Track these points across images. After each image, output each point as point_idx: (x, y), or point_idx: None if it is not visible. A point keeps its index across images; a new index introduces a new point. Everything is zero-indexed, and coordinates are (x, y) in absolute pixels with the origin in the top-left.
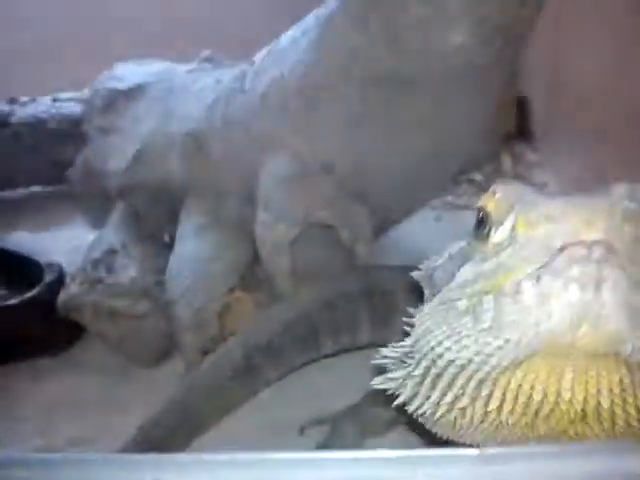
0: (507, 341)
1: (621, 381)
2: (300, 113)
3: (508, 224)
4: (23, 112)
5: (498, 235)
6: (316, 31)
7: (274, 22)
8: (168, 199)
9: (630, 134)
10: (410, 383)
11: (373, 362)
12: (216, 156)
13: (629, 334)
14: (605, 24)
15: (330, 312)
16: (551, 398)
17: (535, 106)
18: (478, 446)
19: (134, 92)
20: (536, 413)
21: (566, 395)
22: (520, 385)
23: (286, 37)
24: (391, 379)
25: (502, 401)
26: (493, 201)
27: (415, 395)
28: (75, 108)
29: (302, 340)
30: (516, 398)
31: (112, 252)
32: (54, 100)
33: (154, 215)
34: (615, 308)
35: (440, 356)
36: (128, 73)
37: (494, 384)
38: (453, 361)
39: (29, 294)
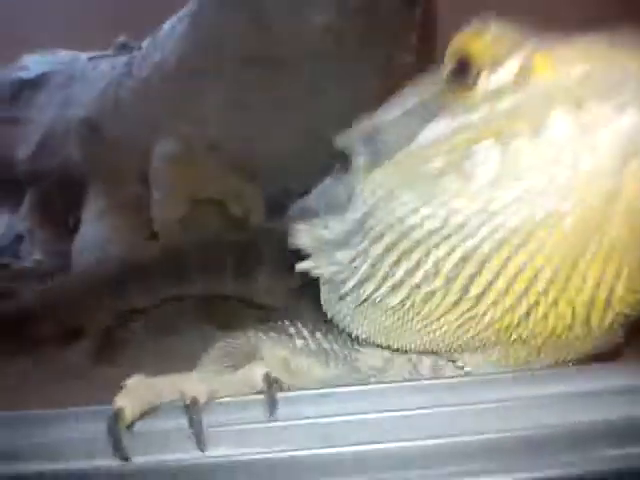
0: (527, 191)
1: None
2: (180, 96)
3: (513, 65)
4: None
5: (494, 81)
6: (190, 18)
7: None
8: (71, 184)
9: None
10: (363, 264)
11: (294, 244)
12: (110, 140)
13: None
14: None
15: (202, 255)
16: (559, 284)
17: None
18: (412, 351)
19: (39, 81)
20: (531, 308)
21: (576, 281)
22: (524, 266)
23: (167, 24)
24: (327, 263)
25: (489, 284)
26: (482, 41)
27: (369, 278)
28: None
29: (173, 272)
30: (512, 280)
31: (19, 238)
32: None
33: (58, 200)
34: None
35: (415, 227)
36: (34, 63)
37: (485, 260)
38: (437, 229)
39: None
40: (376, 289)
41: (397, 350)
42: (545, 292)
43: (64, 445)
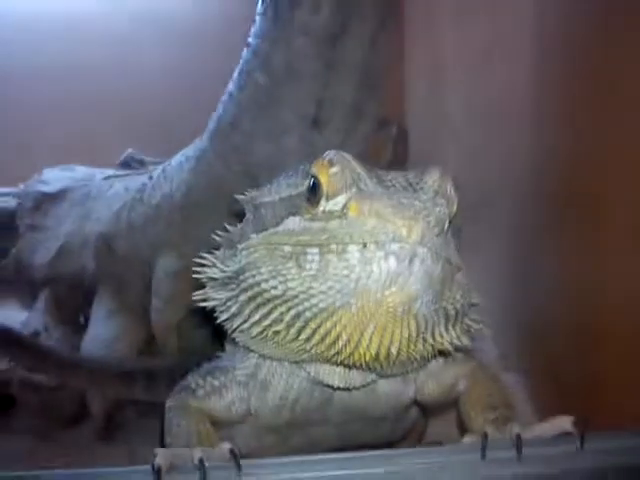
0: (330, 288)
1: (409, 335)
2: (183, 222)
3: (341, 201)
4: None
5: (329, 205)
6: (194, 160)
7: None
8: (83, 288)
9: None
10: (234, 305)
11: (195, 276)
12: (121, 253)
13: (422, 293)
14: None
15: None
16: (352, 344)
17: (412, 136)
18: (279, 359)
19: (58, 195)
20: (338, 352)
21: (364, 343)
22: (329, 329)
23: (175, 160)
24: (213, 299)
25: (311, 334)
26: (327, 175)
27: (238, 314)
28: (11, 202)
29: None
30: (323, 337)
31: (36, 334)
32: None
33: (71, 301)
34: (418, 276)
35: (266, 290)
36: (54, 178)
37: (308, 321)
38: (279, 296)
39: None
40: (242, 323)
41: (263, 356)
42: (346, 345)
43: None
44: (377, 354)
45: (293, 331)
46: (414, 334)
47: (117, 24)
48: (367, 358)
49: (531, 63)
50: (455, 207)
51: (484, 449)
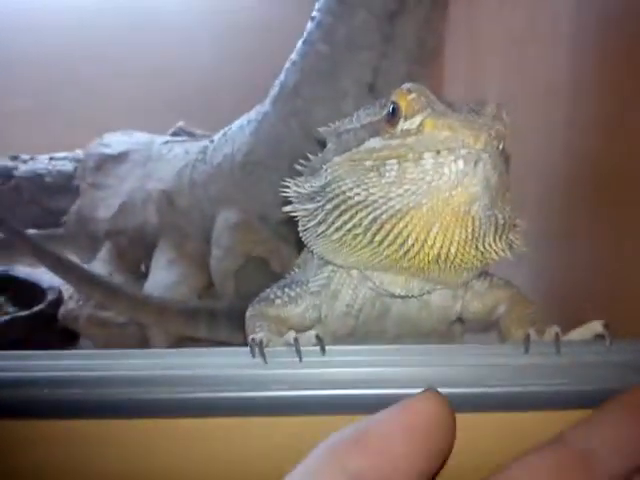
0: (406, 190)
1: (466, 237)
2: (244, 180)
3: (417, 120)
4: (24, 168)
5: (406, 125)
6: (255, 122)
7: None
8: (144, 240)
9: None
10: (321, 213)
11: (281, 193)
12: (183, 209)
13: (481, 195)
14: None
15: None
16: (419, 243)
17: None
18: (348, 267)
19: (120, 157)
20: (406, 252)
21: (430, 242)
22: (402, 229)
23: (236, 124)
24: (301, 209)
25: (385, 236)
26: (406, 100)
27: (324, 221)
28: (68, 166)
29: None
30: (396, 237)
31: (103, 276)
32: (50, 158)
33: (133, 252)
34: (479, 178)
35: (350, 197)
36: (115, 141)
37: (383, 223)
38: (361, 201)
39: (37, 308)
40: (326, 229)
41: (340, 266)
42: (414, 244)
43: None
44: (439, 254)
45: (369, 234)
46: (470, 236)
47: (169, 6)
48: (430, 258)
49: (568, 48)
50: (509, 132)
51: (527, 346)
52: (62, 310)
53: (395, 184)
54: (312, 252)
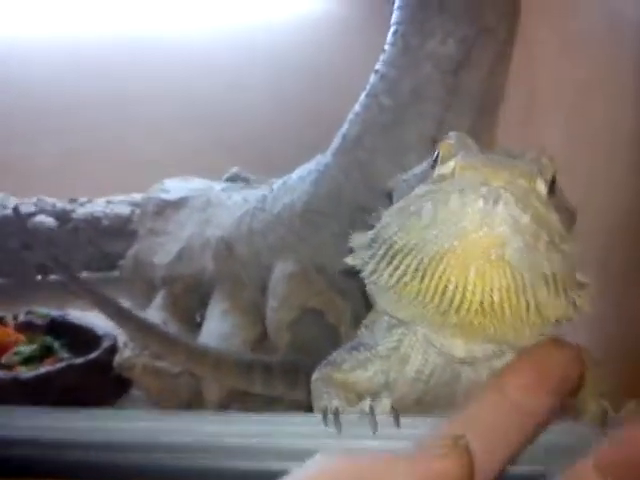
0: (439, 233)
1: (507, 284)
2: (303, 229)
3: (451, 164)
4: (82, 210)
5: (443, 169)
6: (316, 173)
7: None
8: (201, 288)
9: None
10: (373, 261)
11: (349, 244)
12: (241, 257)
13: (510, 237)
14: None
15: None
16: (459, 290)
17: None
18: (408, 321)
19: (179, 203)
20: (450, 301)
21: (470, 288)
22: (441, 273)
23: (296, 173)
24: (359, 258)
25: (429, 282)
26: (445, 145)
27: (376, 270)
28: (125, 209)
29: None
30: (437, 285)
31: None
32: (107, 202)
33: (189, 300)
34: (502, 218)
35: (395, 242)
36: (174, 187)
37: (426, 268)
38: (403, 246)
39: (92, 355)
40: (378, 277)
41: (400, 324)
42: (455, 291)
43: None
44: (481, 302)
45: (416, 282)
46: (512, 284)
47: (226, 50)
48: (474, 307)
49: (632, 113)
50: (550, 176)
51: (604, 424)
52: (117, 358)
53: (430, 227)
54: (379, 312)
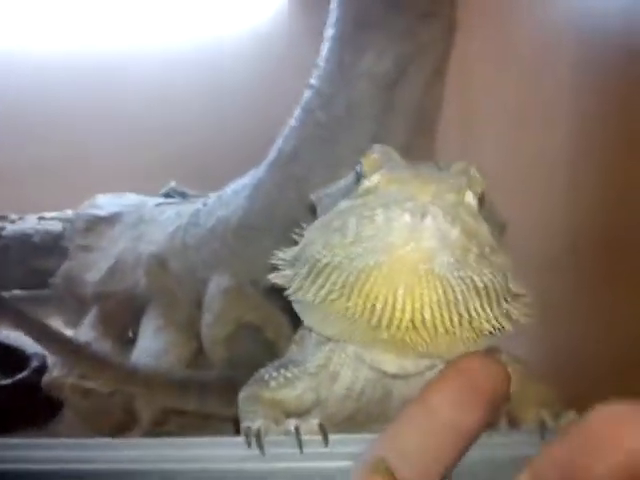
0: (364, 249)
1: (438, 300)
2: (237, 244)
3: (376, 178)
4: (12, 227)
5: (367, 183)
6: (251, 187)
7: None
8: (133, 304)
9: None
10: (298, 279)
11: (270, 261)
12: (174, 272)
13: (439, 252)
14: None
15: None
16: (388, 307)
17: None
18: (337, 339)
19: (111, 219)
20: (379, 319)
21: (398, 306)
22: (368, 291)
23: (231, 188)
24: (283, 276)
25: (356, 300)
26: (368, 159)
27: (301, 287)
28: (57, 226)
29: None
30: (365, 302)
31: (87, 344)
32: (39, 218)
33: (121, 317)
34: (431, 232)
35: (319, 260)
36: (107, 203)
37: (353, 286)
38: (328, 264)
39: (19, 376)
40: (304, 294)
41: (329, 340)
42: (384, 309)
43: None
44: (412, 319)
45: (344, 299)
46: (442, 299)
47: (162, 68)
48: (404, 324)
49: (567, 129)
50: (480, 188)
51: (543, 433)
52: (46, 378)
53: (355, 243)
54: (308, 329)
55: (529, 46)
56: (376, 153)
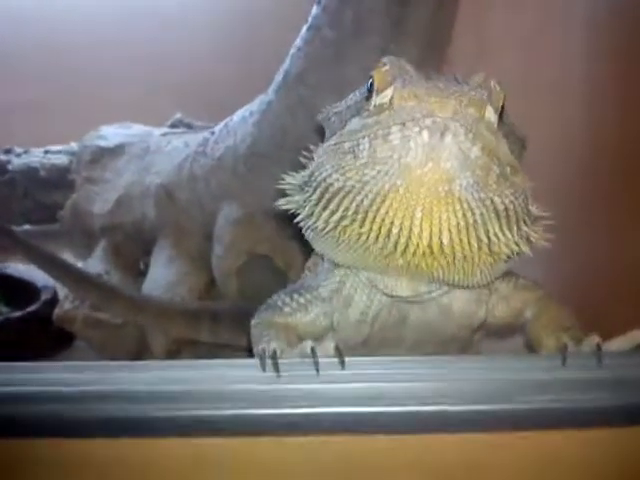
0: (379, 171)
1: (457, 224)
2: (246, 173)
3: (388, 93)
4: (18, 161)
5: (379, 100)
6: (259, 113)
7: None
8: (143, 236)
9: None
10: (308, 205)
11: (277, 186)
12: (182, 203)
13: (459, 172)
14: None
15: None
16: (405, 232)
17: None
18: (349, 267)
19: (117, 150)
20: (395, 245)
21: (416, 230)
22: (384, 216)
23: (238, 115)
24: (292, 202)
25: (370, 226)
26: (380, 72)
27: (312, 214)
28: (63, 159)
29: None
30: (380, 228)
31: (98, 276)
32: (45, 152)
33: (131, 248)
34: (451, 152)
35: (331, 185)
36: (112, 134)
37: (366, 211)
38: (340, 188)
39: (30, 308)
40: (315, 222)
41: (342, 266)
42: (400, 234)
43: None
44: (429, 245)
45: (356, 225)
46: (462, 222)
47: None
48: (422, 250)
49: (584, 35)
50: (501, 102)
51: (564, 357)
52: (57, 311)
53: (368, 165)
54: (321, 256)
55: None
56: (388, 65)
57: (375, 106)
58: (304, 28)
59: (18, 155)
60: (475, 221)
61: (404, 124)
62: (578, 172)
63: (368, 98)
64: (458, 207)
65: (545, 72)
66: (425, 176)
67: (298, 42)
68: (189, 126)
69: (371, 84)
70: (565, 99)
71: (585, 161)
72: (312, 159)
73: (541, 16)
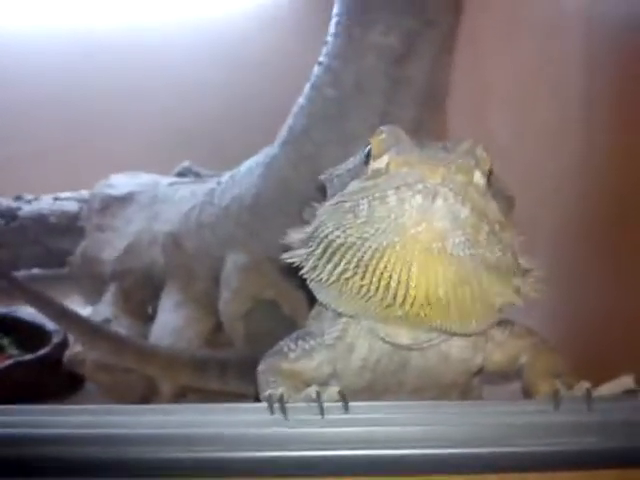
0: (377, 229)
1: (451, 277)
2: (252, 222)
3: (385, 159)
4: (28, 208)
5: (376, 165)
6: (264, 165)
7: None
8: (151, 282)
9: None
10: (312, 258)
11: (281, 241)
12: (190, 251)
13: (451, 231)
14: None
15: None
16: (403, 284)
17: None
18: (352, 316)
19: (126, 198)
20: (394, 296)
21: (412, 283)
22: (383, 269)
23: (244, 166)
24: (297, 255)
25: (371, 279)
26: (377, 140)
27: (315, 267)
28: (73, 206)
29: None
30: (379, 280)
31: (107, 321)
32: (55, 199)
33: (139, 294)
34: (442, 213)
35: (333, 241)
36: (121, 183)
37: (367, 264)
38: (342, 244)
39: (41, 352)
40: (319, 274)
41: (344, 315)
42: (398, 287)
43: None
44: (426, 296)
45: (357, 278)
46: (455, 276)
47: (176, 46)
48: (419, 301)
49: (579, 90)
50: (487, 166)
51: (557, 402)
52: (68, 354)
53: (368, 224)
54: (324, 305)
55: (537, 19)
56: (384, 134)
57: (373, 170)
58: (307, 86)
59: (28, 202)
60: (467, 275)
61: (399, 188)
62: (575, 217)
63: (366, 163)
64: (451, 262)
65: (542, 116)
66: (419, 234)
67: (301, 100)
68: (197, 174)
69: (369, 150)
70: (562, 144)
71: (582, 205)
72: (314, 216)
73: (537, 61)
